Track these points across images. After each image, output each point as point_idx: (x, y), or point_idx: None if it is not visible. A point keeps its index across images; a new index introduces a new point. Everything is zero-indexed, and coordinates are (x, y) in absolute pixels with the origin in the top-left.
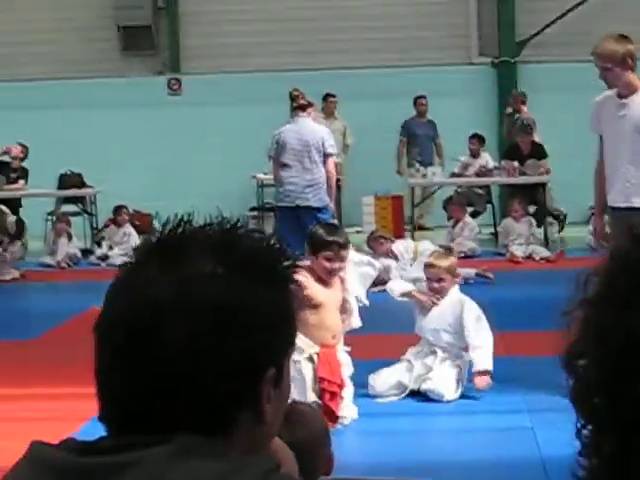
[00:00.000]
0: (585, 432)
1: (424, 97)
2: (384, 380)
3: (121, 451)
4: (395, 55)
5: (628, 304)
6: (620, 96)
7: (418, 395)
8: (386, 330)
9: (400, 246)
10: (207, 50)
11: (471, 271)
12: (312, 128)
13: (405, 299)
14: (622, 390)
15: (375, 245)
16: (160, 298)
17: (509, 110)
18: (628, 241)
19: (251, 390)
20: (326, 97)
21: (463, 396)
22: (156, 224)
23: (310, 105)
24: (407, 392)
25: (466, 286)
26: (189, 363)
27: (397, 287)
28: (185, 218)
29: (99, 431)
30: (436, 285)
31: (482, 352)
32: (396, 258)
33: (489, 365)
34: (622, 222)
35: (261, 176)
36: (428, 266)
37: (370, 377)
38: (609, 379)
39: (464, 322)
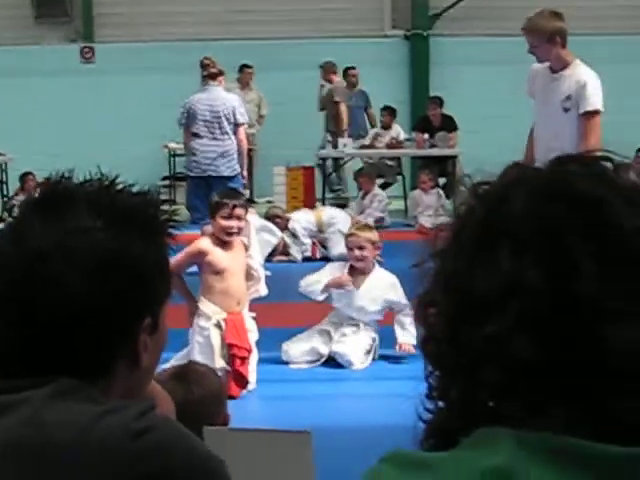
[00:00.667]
0: (432, 377)
1: (354, 68)
2: (298, 347)
3: (1, 393)
4: (309, 26)
5: (471, 257)
6: (552, 70)
7: (332, 363)
8: (288, 299)
9: (301, 220)
10: (121, 18)
11: None
12: (223, 97)
13: (326, 293)
14: (465, 337)
15: (273, 222)
16: (42, 248)
17: (321, 82)
18: (471, 198)
19: (127, 337)
20: (242, 68)
21: (375, 365)
22: None
23: (221, 73)
24: (322, 360)
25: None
26: (67, 310)
27: (312, 287)
28: (66, 175)
29: None
30: (357, 253)
31: (410, 332)
32: (294, 236)
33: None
34: None
35: (173, 145)
36: (349, 235)
37: (284, 343)
38: (454, 327)
39: (395, 305)
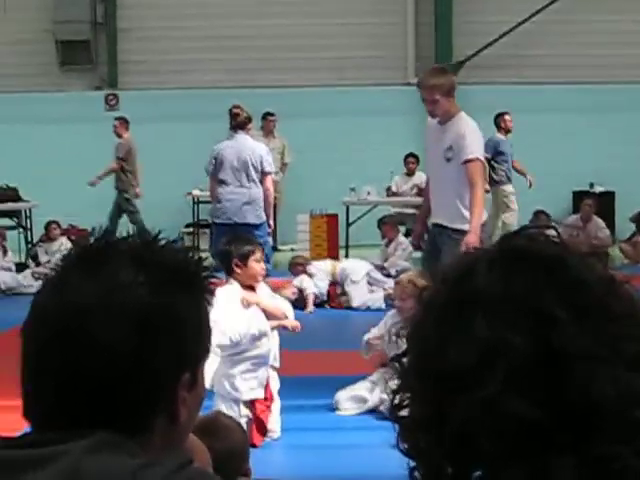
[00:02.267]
0: (416, 474)
1: (272, 114)
2: (347, 394)
3: (42, 445)
4: (333, 74)
5: (442, 332)
6: (440, 122)
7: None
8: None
9: (319, 267)
10: (145, 66)
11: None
12: (251, 146)
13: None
14: (450, 413)
15: (294, 269)
16: (84, 303)
17: None
18: (435, 284)
19: (167, 394)
20: (265, 116)
21: None
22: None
23: (250, 121)
24: (367, 407)
25: None
26: (110, 367)
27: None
28: (109, 230)
29: None
30: (399, 304)
31: None
32: (310, 275)
33: None
34: (431, 236)
35: (197, 193)
36: (395, 283)
37: (337, 393)
38: (434, 409)
39: None
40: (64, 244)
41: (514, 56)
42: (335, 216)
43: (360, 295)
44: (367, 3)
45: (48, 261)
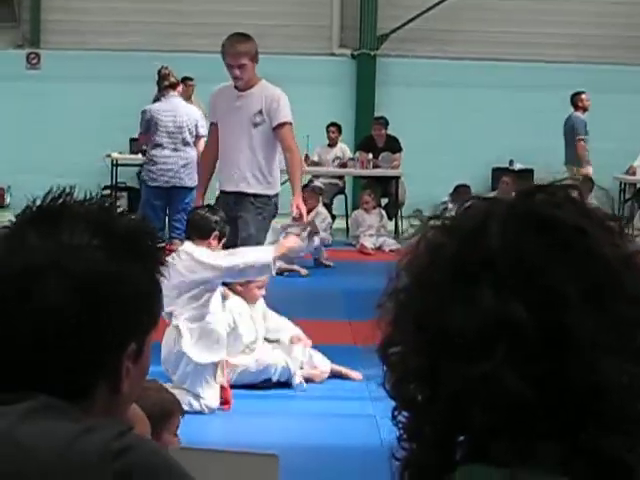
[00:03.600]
0: (401, 417)
1: (191, 79)
2: None
3: None
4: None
5: (445, 293)
6: (239, 89)
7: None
8: None
9: None
10: (68, 25)
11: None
12: (186, 109)
13: None
14: (445, 377)
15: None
16: (37, 263)
17: None
18: (436, 231)
19: (111, 362)
20: (184, 80)
21: (307, 381)
22: (7, 199)
23: (179, 83)
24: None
25: (316, 276)
26: (56, 328)
27: None
28: (67, 191)
29: None
30: None
31: None
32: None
33: None
34: (224, 205)
35: (115, 155)
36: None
37: None
38: (429, 366)
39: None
40: None
41: (437, 30)
42: None
43: None
44: None
45: None
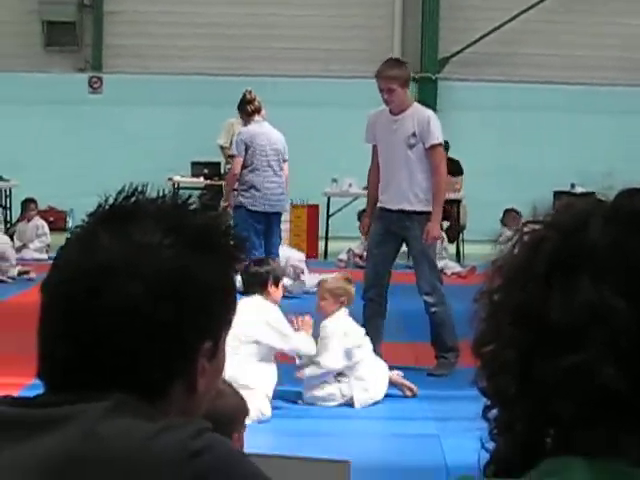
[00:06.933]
0: (492, 413)
1: None
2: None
3: (57, 405)
4: (319, 65)
5: (547, 285)
6: (393, 113)
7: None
8: None
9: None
10: (130, 50)
11: None
12: (276, 133)
13: None
14: (539, 369)
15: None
16: (109, 263)
17: None
18: (536, 229)
19: (187, 360)
20: None
21: (375, 402)
22: (70, 222)
23: (262, 108)
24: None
25: None
26: (130, 328)
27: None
28: (139, 189)
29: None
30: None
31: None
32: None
33: None
34: (386, 221)
35: (177, 178)
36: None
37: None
38: (526, 360)
39: None
40: (39, 227)
41: (499, 54)
42: (316, 207)
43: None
44: None
45: (24, 245)
